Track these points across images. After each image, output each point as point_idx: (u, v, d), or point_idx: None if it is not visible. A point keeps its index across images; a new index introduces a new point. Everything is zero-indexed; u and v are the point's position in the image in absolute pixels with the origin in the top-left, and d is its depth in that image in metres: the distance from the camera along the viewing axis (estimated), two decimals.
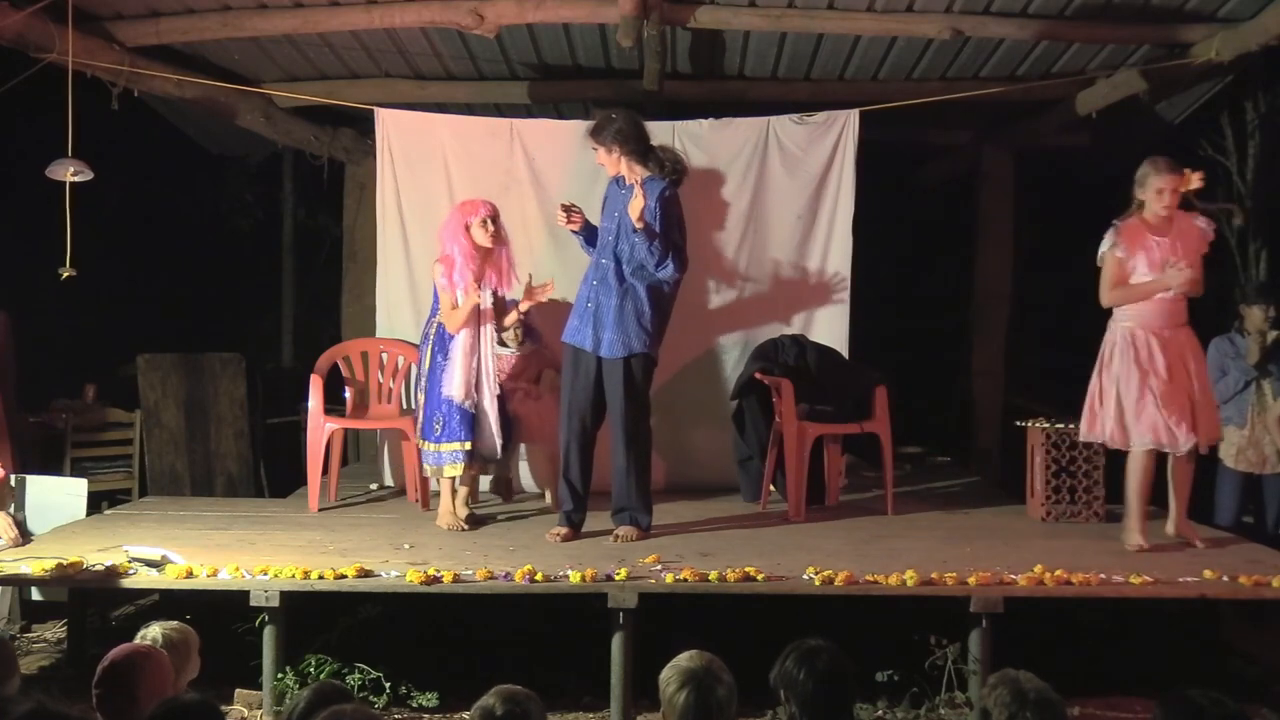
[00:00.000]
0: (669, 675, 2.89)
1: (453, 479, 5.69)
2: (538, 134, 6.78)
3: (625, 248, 5.41)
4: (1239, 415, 6.22)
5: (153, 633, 3.56)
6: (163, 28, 6.17)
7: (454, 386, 5.61)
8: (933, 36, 6.18)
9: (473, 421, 5.64)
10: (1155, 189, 5.24)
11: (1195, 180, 5.26)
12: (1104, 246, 5.35)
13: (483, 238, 5.63)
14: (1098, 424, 5.36)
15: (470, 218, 5.64)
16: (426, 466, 5.81)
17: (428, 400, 5.69)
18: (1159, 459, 5.33)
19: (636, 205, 5.25)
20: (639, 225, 5.27)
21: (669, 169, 5.50)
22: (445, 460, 5.64)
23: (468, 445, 5.62)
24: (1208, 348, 6.33)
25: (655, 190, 5.37)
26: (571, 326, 5.54)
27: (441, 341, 5.69)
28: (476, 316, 5.66)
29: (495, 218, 5.69)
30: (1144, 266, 5.27)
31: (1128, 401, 5.24)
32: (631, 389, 5.41)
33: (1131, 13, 6.09)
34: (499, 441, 5.72)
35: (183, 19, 6.14)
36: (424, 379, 5.76)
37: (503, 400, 5.84)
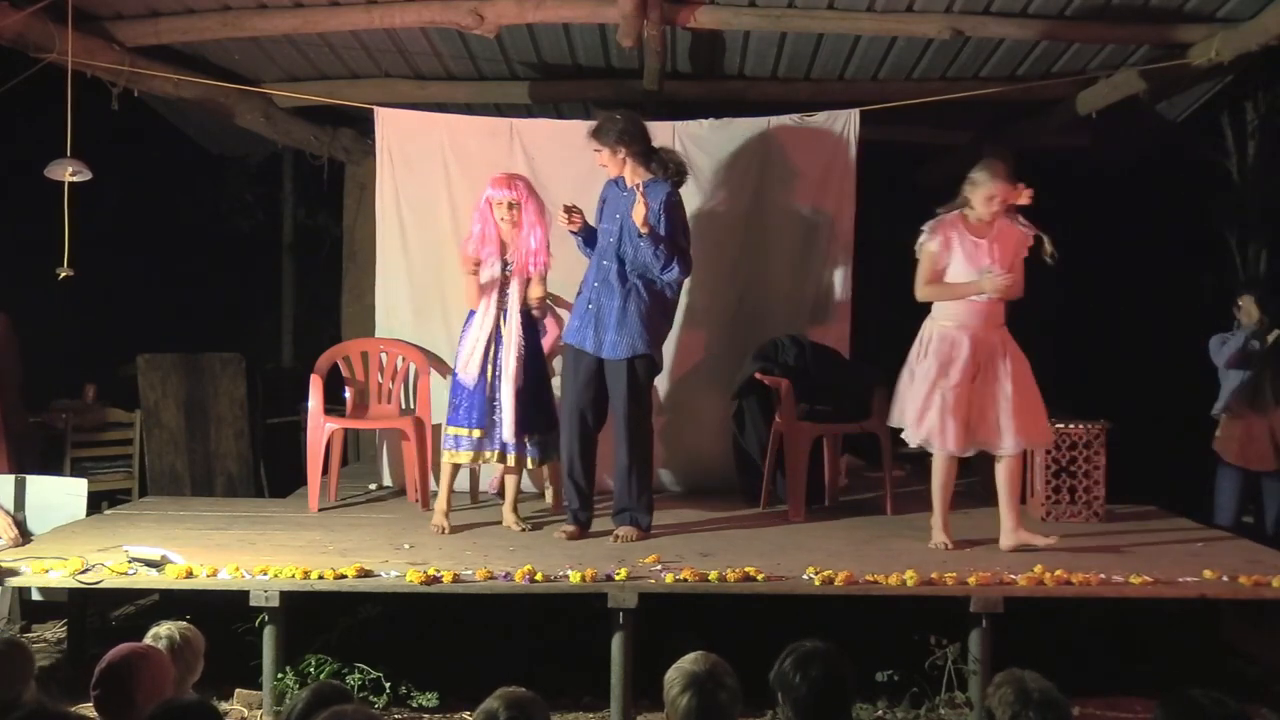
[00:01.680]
0: (673, 677, 2.89)
1: (453, 472, 5.66)
2: (538, 134, 6.78)
3: (628, 249, 5.40)
4: (1236, 406, 6.18)
5: (163, 632, 3.56)
6: (162, 28, 6.17)
7: (463, 364, 5.52)
8: (933, 36, 6.18)
9: (484, 406, 5.54)
10: (986, 195, 5.18)
11: (1025, 197, 5.18)
12: (921, 239, 5.28)
13: (499, 216, 5.53)
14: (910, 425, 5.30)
15: (493, 193, 5.55)
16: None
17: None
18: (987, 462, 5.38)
19: (640, 211, 5.24)
20: (644, 230, 5.26)
21: (671, 171, 5.50)
22: (447, 445, 5.58)
23: (470, 432, 5.54)
24: (1208, 344, 6.34)
25: (659, 193, 5.37)
26: (572, 328, 5.53)
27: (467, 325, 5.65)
28: (495, 294, 5.56)
29: (514, 203, 5.51)
30: (960, 265, 5.23)
31: (934, 402, 5.21)
32: (634, 390, 5.41)
33: (1131, 13, 6.08)
34: (511, 431, 5.53)
35: (183, 19, 6.14)
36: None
37: (531, 392, 5.67)
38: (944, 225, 5.25)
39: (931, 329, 5.29)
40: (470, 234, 5.63)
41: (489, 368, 5.55)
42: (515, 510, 5.76)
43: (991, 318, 5.24)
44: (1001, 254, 5.19)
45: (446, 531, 5.58)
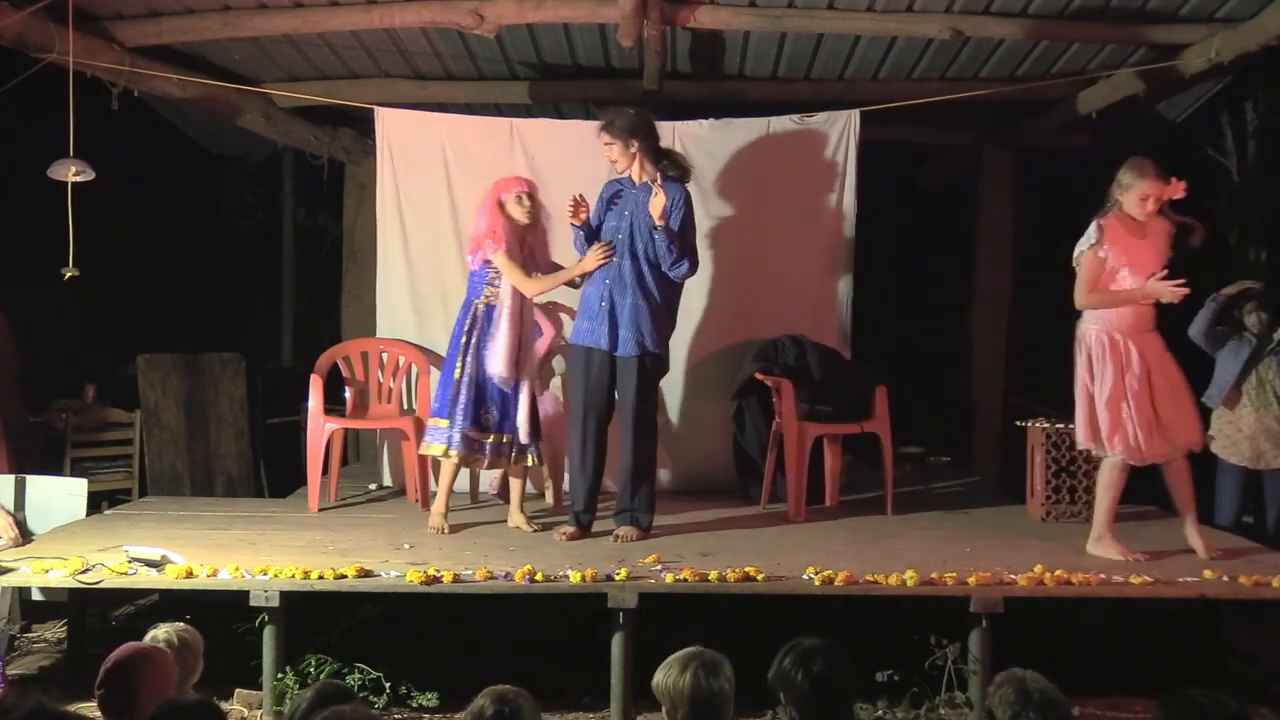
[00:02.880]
0: (665, 668, 2.92)
1: (453, 474, 5.64)
2: (538, 134, 6.78)
3: (640, 246, 5.40)
4: (1218, 397, 6.14)
5: (161, 634, 3.56)
6: (163, 28, 6.16)
7: (498, 361, 5.48)
8: (933, 36, 6.18)
9: (510, 409, 5.55)
10: (1139, 196, 5.09)
11: (1179, 190, 5.12)
12: (1085, 244, 5.16)
13: (519, 214, 5.53)
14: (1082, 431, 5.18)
15: (504, 194, 5.56)
16: (448, 450, 5.55)
17: (469, 386, 5.56)
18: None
19: (658, 203, 5.25)
20: (660, 223, 5.27)
21: (681, 172, 5.51)
22: (475, 451, 5.54)
23: (502, 438, 5.55)
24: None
25: (674, 190, 5.38)
26: (582, 328, 5.51)
27: (487, 322, 5.55)
28: (513, 290, 5.54)
29: (533, 195, 5.58)
30: (1127, 271, 5.13)
31: (1100, 408, 5.09)
32: (643, 387, 5.43)
33: (1131, 13, 6.08)
34: (528, 432, 5.57)
35: (183, 19, 6.14)
36: (467, 364, 5.54)
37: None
38: (1109, 230, 5.12)
39: (1097, 338, 5.15)
40: (479, 232, 5.54)
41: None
42: (524, 510, 5.76)
43: (1146, 319, 5.15)
44: (1157, 252, 5.12)
45: (446, 532, 5.58)
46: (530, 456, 5.66)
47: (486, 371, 5.53)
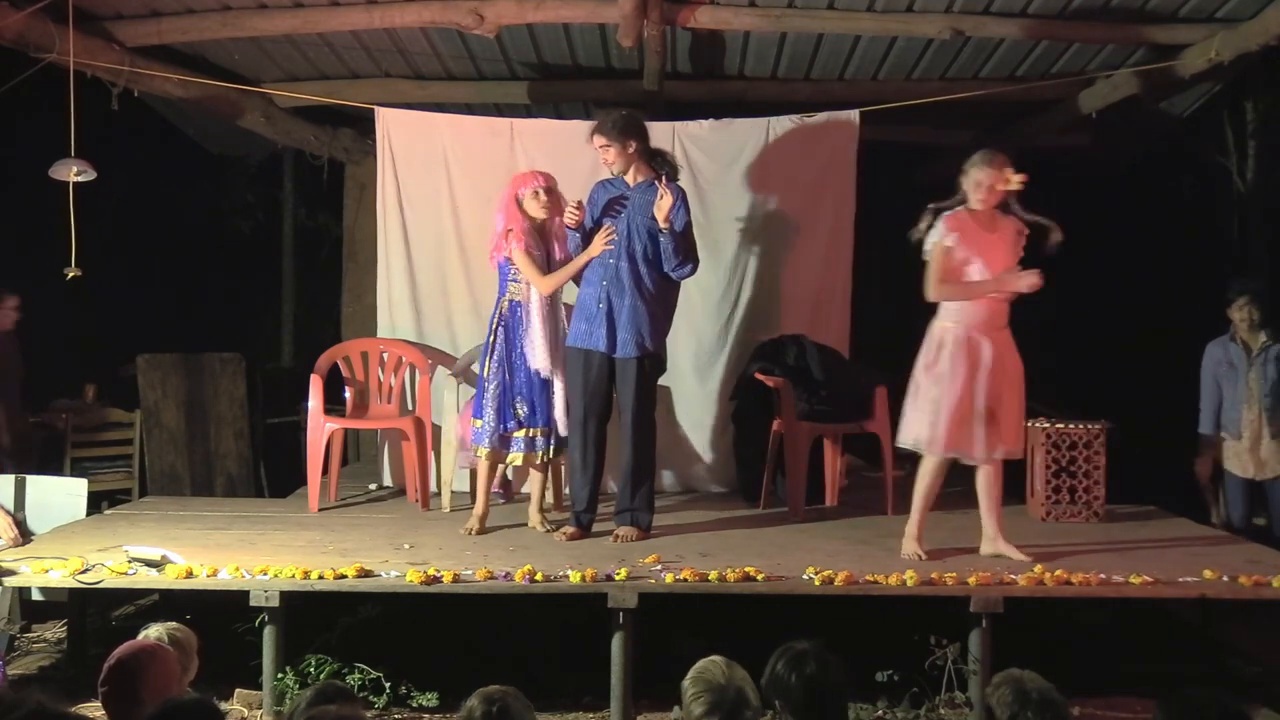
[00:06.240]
0: (695, 691, 2.82)
1: (488, 474, 5.63)
2: (538, 134, 6.78)
3: (638, 247, 5.40)
4: (1233, 425, 6.14)
5: (154, 633, 3.56)
6: (163, 28, 6.17)
7: (537, 356, 5.49)
8: (933, 36, 6.18)
9: (549, 400, 5.55)
10: (975, 181, 4.94)
11: (1015, 181, 4.94)
12: (933, 237, 5.00)
13: (535, 209, 5.53)
14: (911, 427, 5.04)
15: (522, 190, 5.55)
16: (512, 454, 5.58)
17: (495, 383, 5.53)
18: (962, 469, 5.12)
19: (665, 205, 5.25)
20: (664, 227, 5.26)
21: (672, 171, 5.51)
22: (517, 448, 5.55)
23: (529, 432, 5.55)
24: (1203, 353, 6.30)
25: (677, 191, 5.38)
26: (579, 330, 5.49)
27: (513, 318, 5.55)
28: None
29: (550, 189, 5.56)
30: (980, 265, 4.98)
31: (946, 406, 4.94)
32: (643, 388, 5.42)
33: (1131, 13, 6.09)
34: (565, 425, 5.58)
35: (183, 19, 6.15)
36: (492, 362, 5.54)
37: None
38: (954, 221, 4.98)
39: (940, 332, 5.04)
40: (497, 229, 5.55)
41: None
42: (542, 510, 5.75)
43: (1000, 316, 5.02)
44: (1007, 248, 4.98)
45: (474, 534, 5.55)
46: (565, 451, 5.66)
47: (515, 366, 5.54)
